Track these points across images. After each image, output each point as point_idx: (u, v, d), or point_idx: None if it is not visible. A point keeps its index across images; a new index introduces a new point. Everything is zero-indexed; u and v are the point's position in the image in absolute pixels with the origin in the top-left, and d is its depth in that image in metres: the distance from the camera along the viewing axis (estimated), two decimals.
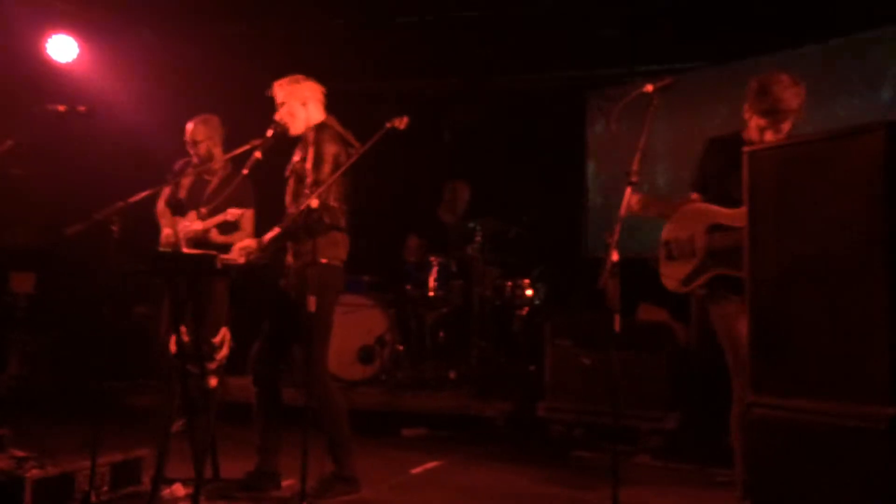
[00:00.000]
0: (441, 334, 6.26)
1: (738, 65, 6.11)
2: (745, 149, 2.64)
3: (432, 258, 6.18)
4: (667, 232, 3.37)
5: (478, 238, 6.07)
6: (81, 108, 3.80)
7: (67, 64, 6.03)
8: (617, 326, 2.78)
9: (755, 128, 3.18)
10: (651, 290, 5.46)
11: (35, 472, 3.11)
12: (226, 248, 4.08)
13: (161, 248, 4.42)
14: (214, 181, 4.56)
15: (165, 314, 4.54)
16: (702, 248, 3.22)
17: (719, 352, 4.82)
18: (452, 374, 5.98)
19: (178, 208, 4.45)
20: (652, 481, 4.18)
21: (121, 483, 3.43)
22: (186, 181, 4.61)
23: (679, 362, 4.91)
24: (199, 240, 4.33)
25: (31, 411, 5.66)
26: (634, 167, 2.94)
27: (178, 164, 4.68)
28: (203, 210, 4.28)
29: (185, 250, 4.25)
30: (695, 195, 3.38)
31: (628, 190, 2.95)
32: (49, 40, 5.97)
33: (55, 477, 3.18)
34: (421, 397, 5.61)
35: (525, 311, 6.20)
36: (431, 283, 6.13)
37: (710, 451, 4.50)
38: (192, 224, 4.34)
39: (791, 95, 3.11)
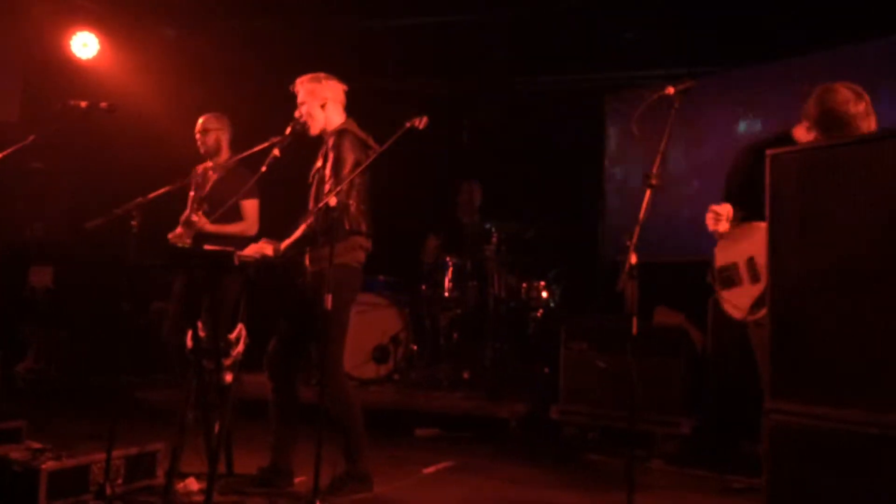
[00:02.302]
0: (455, 335, 6.25)
1: (761, 67, 6.08)
2: (768, 151, 2.61)
3: (448, 258, 6.17)
4: (721, 257, 3.26)
5: (494, 239, 6.06)
6: (103, 105, 3.83)
7: (89, 60, 6.10)
8: (634, 329, 2.76)
9: None
10: (668, 293, 5.47)
11: (51, 464, 3.13)
12: (226, 238, 4.37)
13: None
14: (216, 176, 4.75)
15: (174, 310, 4.61)
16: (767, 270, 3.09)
17: (736, 358, 4.78)
18: (466, 375, 5.97)
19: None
20: (667, 487, 4.14)
21: (135, 476, 3.45)
22: (196, 181, 4.82)
23: (695, 367, 4.87)
24: (203, 234, 4.52)
25: (48, 404, 5.72)
26: (655, 170, 2.91)
27: (193, 171, 4.87)
28: (204, 206, 4.53)
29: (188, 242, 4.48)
30: (717, 206, 3.30)
31: (648, 192, 2.91)
32: (72, 37, 6.04)
33: (70, 469, 3.20)
34: (434, 397, 5.60)
35: (540, 313, 6.19)
36: (447, 283, 6.12)
37: (726, 458, 4.47)
38: (200, 222, 4.53)
39: (861, 114, 2.96)
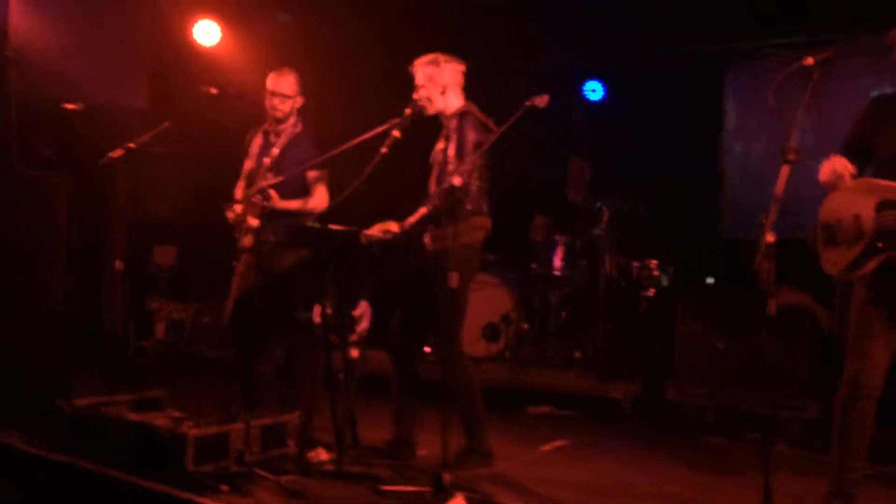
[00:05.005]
0: (565, 314, 6.24)
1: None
2: None
3: (558, 237, 6.16)
4: (826, 213, 3.09)
5: (605, 217, 5.99)
6: (232, 90, 4.00)
7: (212, 48, 6.34)
8: (773, 309, 2.68)
9: None
10: (793, 272, 5.24)
11: (196, 431, 3.31)
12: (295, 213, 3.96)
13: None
14: (281, 141, 4.15)
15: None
16: (871, 229, 2.91)
17: None
18: (578, 354, 5.95)
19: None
20: (796, 471, 4.01)
21: (270, 444, 3.62)
22: (254, 149, 4.24)
23: (822, 348, 4.68)
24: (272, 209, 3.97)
25: (178, 374, 6.04)
26: (792, 144, 2.80)
27: (247, 138, 4.32)
28: (270, 176, 3.97)
29: (255, 221, 3.96)
30: (838, 157, 3.05)
31: (785, 168, 2.80)
32: (195, 25, 6.29)
33: (213, 436, 3.37)
34: (546, 376, 5.62)
35: (652, 292, 6.08)
36: (557, 262, 6.12)
37: None
38: (271, 198, 3.93)
39: None
